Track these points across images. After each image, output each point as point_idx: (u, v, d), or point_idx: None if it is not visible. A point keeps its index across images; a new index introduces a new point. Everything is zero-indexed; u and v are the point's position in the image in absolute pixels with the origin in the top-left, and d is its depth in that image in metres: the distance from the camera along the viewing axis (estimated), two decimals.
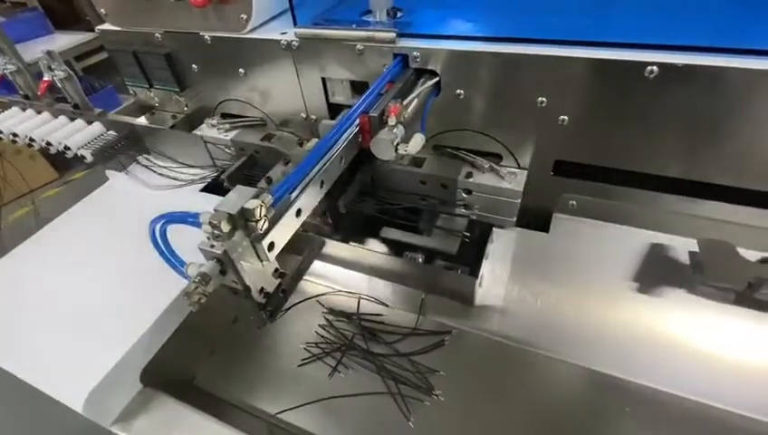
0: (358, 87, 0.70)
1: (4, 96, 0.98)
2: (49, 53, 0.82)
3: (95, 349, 0.57)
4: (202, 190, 0.84)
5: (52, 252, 0.75)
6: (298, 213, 0.45)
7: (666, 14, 0.59)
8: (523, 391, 0.60)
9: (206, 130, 0.85)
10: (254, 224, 0.39)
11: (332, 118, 0.73)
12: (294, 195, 0.45)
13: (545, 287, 0.66)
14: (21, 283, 0.70)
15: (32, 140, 0.87)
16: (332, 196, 0.63)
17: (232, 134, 0.83)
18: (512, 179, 0.65)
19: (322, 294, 0.75)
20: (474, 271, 0.66)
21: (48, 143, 0.86)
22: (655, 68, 0.49)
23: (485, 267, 0.68)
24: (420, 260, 0.72)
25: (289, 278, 0.50)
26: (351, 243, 0.74)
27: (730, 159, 0.54)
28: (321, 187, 0.49)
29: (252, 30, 0.72)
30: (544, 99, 0.58)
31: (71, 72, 0.85)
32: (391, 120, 0.51)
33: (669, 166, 0.58)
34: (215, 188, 0.85)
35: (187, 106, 0.91)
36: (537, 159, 0.65)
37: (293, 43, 0.68)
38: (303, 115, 0.79)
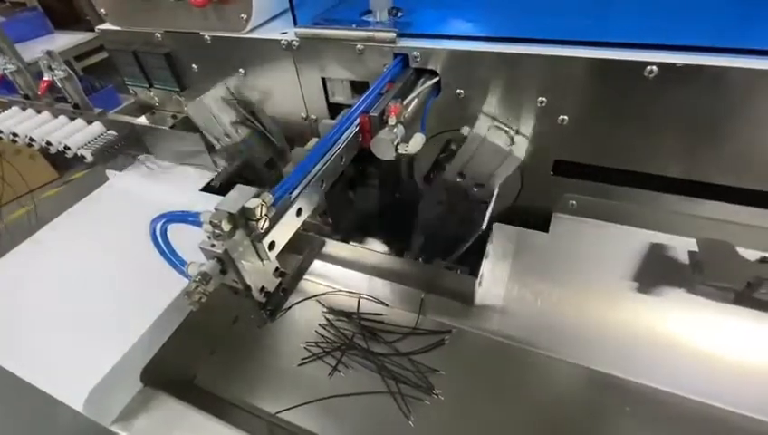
0: (358, 87, 0.70)
1: (4, 96, 0.98)
2: (49, 53, 0.82)
3: (95, 349, 0.57)
4: (202, 190, 0.84)
5: (52, 252, 0.75)
6: (299, 212, 0.45)
7: (665, 14, 0.59)
8: (524, 390, 0.60)
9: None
10: (254, 223, 0.38)
11: (332, 118, 0.73)
12: (295, 194, 0.44)
13: (545, 287, 0.66)
14: (21, 283, 0.70)
15: (32, 139, 0.87)
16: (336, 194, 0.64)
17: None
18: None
19: (322, 294, 0.75)
20: (474, 271, 0.66)
21: (48, 143, 0.86)
22: (655, 68, 0.49)
23: (485, 267, 0.68)
24: (420, 260, 0.72)
25: (289, 277, 0.50)
26: (351, 243, 0.74)
27: (730, 158, 0.54)
28: (322, 186, 0.49)
29: (252, 30, 0.72)
30: (544, 99, 0.58)
31: (71, 72, 0.85)
32: (391, 120, 0.51)
33: (669, 166, 0.58)
34: (214, 187, 0.85)
35: (186, 106, 0.91)
36: (537, 159, 0.65)
37: (294, 42, 0.68)
38: (303, 115, 0.79)
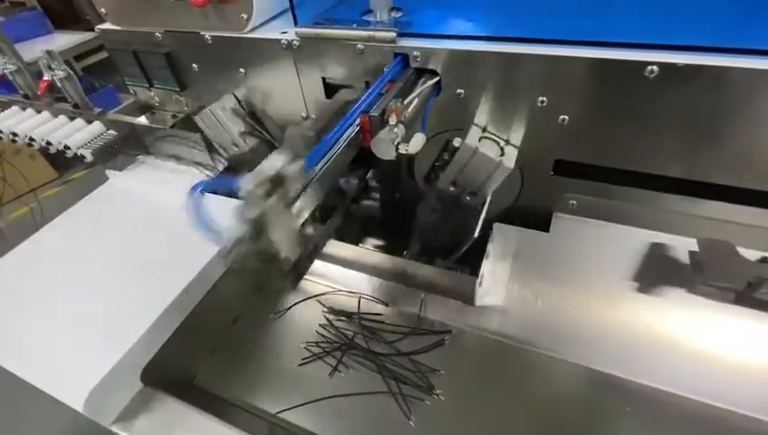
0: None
1: (4, 96, 0.98)
2: (49, 53, 0.82)
3: (95, 348, 0.57)
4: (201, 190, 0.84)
5: (52, 252, 0.75)
6: (322, 182, 0.48)
7: (666, 14, 0.59)
8: (524, 390, 0.60)
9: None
10: (287, 188, 0.41)
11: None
12: (319, 166, 0.48)
13: (546, 287, 0.66)
14: (21, 283, 0.70)
15: (31, 139, 0.87)
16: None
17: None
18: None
19: (323, 294, 0.75)
20: (474, 270, 0.66)
21: (48, 143, 0.86)
22: (655, 68, 0.49)
23: (486, 267, 0.68)
24: (420, 259, 0.72)
25: (311, 247, 0.55)
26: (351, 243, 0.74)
27: (731, 158, 0.54)
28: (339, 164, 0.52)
29: (252, 29, 0.72)
30: (545, 98, 0.58)
31: (70, 72, 0.85)
32: (392, 120, 0.51)
33: (670, 166, 0.58)
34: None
35: (187, 106, 0.91)
36: (537, 159, 0.65)
37: (294, 42, 0.68)
38: (304, 114, 0.79)
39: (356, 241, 0.82)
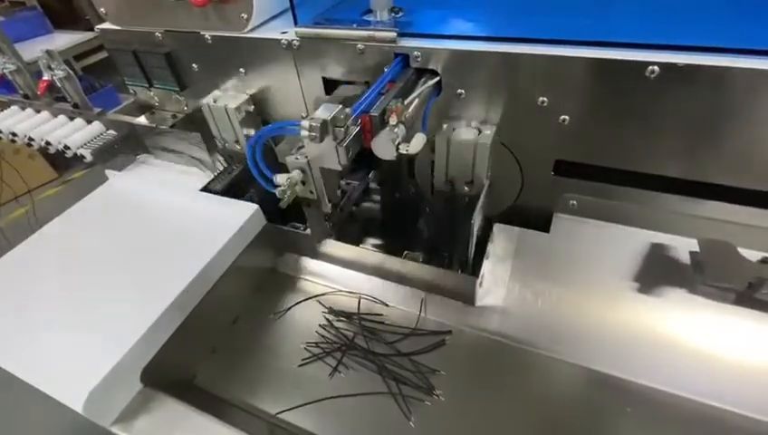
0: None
1: (4, 95, 0.98)
2: (48, 53, 0.82)
3: (95, 349, 0.57)
4: (201, 190, 0.84)
5: (52, 252, 0.75)
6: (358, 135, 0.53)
7: (667, 14, 0.59)
8: (524, 391, 0.60)
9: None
10: (340, 129, 0.48)
11: None
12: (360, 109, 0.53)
13: (546, 287, 0.66)
14: (20, 283, 0.69)
15: (31, 139, 0.87)
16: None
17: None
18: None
19: (323, 294, 0.75)
20: (474, 271, 0.66)
21: (47, 142, 0.85)
22: (656, 68, 0.49)
23: (486, 267, 0.68)
24: (420, 260, 0.72)
25: (347, 197, 0.69)
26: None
27: (731, 159, 0.54)
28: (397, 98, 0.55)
29: (252, 29, 0.72)
30: (545, 99, 0.58)
31: (70, 72, 0.85)
32: (392, 120, 0.51)
33: (670, 166, 0.58)
34: (214, 188, 0.85)
35: (186, 105, 0.91)
36: (538, 159, 0.65)
37: (294, 42, 0.68)
38: (304, 114, 0.79)
39: (356, 241, 0.81)
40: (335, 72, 0.69)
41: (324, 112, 0.48)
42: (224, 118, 0.78)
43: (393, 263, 0.71)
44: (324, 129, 0.47)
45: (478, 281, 0.65)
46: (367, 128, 0.53)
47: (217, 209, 0.76)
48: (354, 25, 0.64)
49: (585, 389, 0.59)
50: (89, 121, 0.89)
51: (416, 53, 0.61)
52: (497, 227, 0.72)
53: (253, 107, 0.80)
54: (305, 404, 0.60)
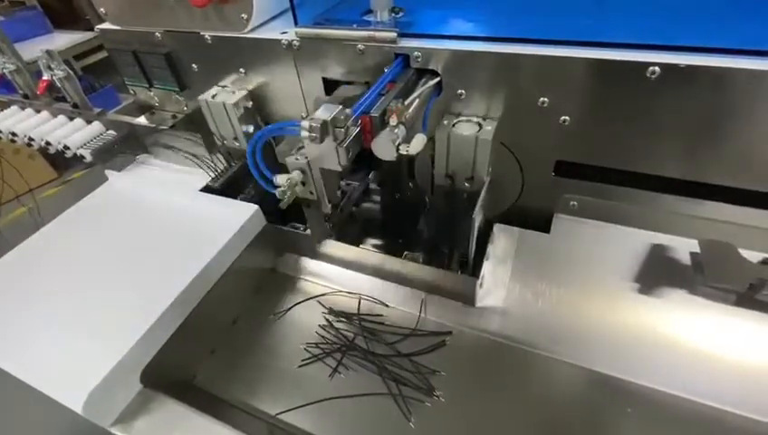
0: None
1: (4, 95, 0.98)
2: (48, 53, 0.82)
3: (95, 349, 0.57)
4: (201, 190, 0.84)
5: (52, 252, 0.75)
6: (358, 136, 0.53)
7: (667, 15, 0.59)
8: (524, 391, 0.60)
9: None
10: (339, 130, 0.48)
11: None
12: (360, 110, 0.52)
13: (546, 288, 0.66)
14: (20, 283, 0.69)
15: (31, 139, 0.87)
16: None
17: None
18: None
19: (323, 295, 0.74)
20: (475, 271, 0.66)
21: (47, 142, 0.85)
22: (657, 69, 0.49)
23: (486, 268, 0.68)
24: (420, 260, 0.71)
25: (347, 198, 0.69)
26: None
27: (732, 159, 0.54)
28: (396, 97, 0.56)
29: (252, 30, 0.72)
30: (546, 99, 0.57)
31: (70, 72, 0.85)
32: (392, 121, 0.51)
33: (671, 166, 0.58)
34: (214, 188, 0.84)
35: (186, 106, 0.91)
36: (538, 159, 0.65)
37: (294, 42, 0.68)
38: (304, 114, 0.79)
39: (356, 242, 0.81)
40: (335, 72, 0.69)
41: (324, 113, 0.48)
42: (222, 114, 0.78)
43: (393, 263, 0.71)
44: (324, 129, 0.47)
45: (478, 282, 0.65)
46: (367, 128, 0.53)
47: (217, 209, 0.76)
48: (354, 26, 0.64)
49: (585, 389, 0.59)
50: (89, 121, 0.89)
51: (416, 53, 0.61)
52: (497, 228, 0.72)
53: (251, 103, 0.79)
54: (305, 405, 0.60)
